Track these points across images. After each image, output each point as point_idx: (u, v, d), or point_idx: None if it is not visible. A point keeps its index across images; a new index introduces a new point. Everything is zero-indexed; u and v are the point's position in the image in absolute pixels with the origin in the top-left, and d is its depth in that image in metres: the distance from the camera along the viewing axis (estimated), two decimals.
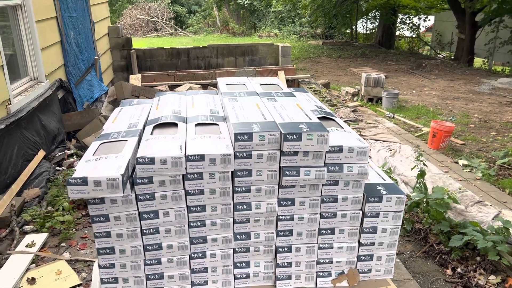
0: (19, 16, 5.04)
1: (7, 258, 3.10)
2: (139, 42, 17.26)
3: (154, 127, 2.16)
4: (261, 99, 2.38)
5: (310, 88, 8.58)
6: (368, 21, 19.98)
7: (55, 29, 5.96)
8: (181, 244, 2.04)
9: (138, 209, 1.93)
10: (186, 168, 1.88)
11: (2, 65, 4.26)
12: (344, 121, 6.18)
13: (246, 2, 20.08)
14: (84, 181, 1.74)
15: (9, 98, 4.37)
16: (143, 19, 21.87)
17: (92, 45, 7.65)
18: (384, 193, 2.11)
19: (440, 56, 15.94)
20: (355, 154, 1.98)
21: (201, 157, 1.87)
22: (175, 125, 2.18)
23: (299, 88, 3.01)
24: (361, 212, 2.12)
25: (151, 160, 1.84)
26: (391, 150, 4.85)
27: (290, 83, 9.09)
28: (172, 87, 7.97)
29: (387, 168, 4.46)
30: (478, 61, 14.23)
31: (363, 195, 2.09)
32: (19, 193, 3.98)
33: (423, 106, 8.04)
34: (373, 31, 19.57)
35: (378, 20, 18.56)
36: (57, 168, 4.78)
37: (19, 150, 4.34)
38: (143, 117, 2.40)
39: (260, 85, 2.71)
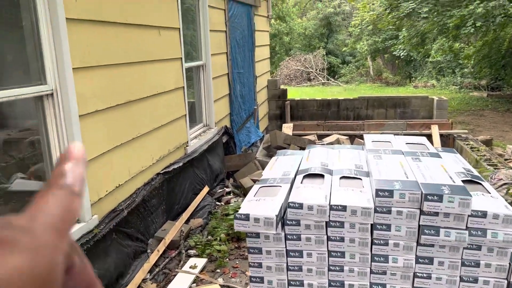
0: (200, 74, 6.11)
1: (175, 275, 3.73)
2: (293, 92, 18.44)
3: (304, 177, 2.48)
4: (405, 157, 2.52)
5: (467, 144, 8.02)
6: None
7: (225, 84, 6.99)
8: (320, 284, 2.27)
9: (286, 246, 2.24)
10: (329, 216, 2.13)
11: (185, 114, 5.22)
12: (505, 183, 5.64)
13: (402, 53, 19.84)
14: (247, 217, 2.13)
15: (187, 141, 5.30)
16: (298, 69, 23.38)
17: (253, 96, 8.63)
18: None
19: None
20: (501, 221, 1.96)
21: (344, 208, 2.10)
22: (322, 176, 2.47)
23: (448, 148, 3.03)
24: (506, 281, 2.05)
25: (300, 206, 2.14)
26: None
27: (444, 138, 8.64)
28: (320, 137, 8.38)
29: None
30: None
31: (509, 263, 2.03)
32: (186, 221, 4.73)
33: None
34: None
35: None
36: (217, 203, 5.50)
37: (190, 185, 5.17)
38: (295, 167, 2.75)
39: (406, 143, 2.84)
